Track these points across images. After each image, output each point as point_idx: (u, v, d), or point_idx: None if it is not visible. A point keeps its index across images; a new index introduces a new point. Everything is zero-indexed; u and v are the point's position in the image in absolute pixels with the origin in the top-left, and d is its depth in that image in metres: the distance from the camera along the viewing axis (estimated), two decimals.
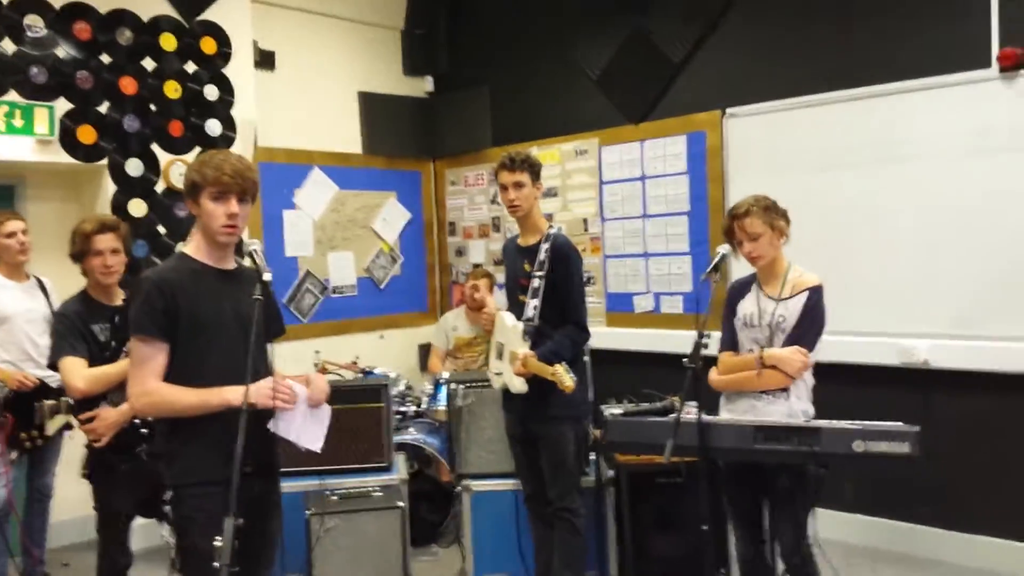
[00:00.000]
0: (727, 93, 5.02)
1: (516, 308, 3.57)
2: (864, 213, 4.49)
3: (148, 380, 2.39)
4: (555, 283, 3.47)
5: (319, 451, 2.58)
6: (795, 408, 3.09)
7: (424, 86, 6.69)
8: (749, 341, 3.19)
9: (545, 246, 3.50)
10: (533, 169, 3.51)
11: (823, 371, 3.21)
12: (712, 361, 3.16)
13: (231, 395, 2.35)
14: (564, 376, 3.17)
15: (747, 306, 3.22)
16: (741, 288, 3.29)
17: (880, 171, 4.43)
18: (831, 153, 4.59)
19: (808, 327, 3.08)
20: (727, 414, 3.20)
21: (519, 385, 3.39)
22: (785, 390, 3.08)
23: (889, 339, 4.37)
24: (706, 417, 2.95)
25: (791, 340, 3.07)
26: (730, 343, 3.27)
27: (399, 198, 6.53)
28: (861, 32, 4.52)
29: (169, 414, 2.43)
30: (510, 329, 3.49)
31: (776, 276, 3.17)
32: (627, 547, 3.90)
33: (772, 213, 3.13)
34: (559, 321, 3.48)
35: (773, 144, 4.81)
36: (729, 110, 5.00)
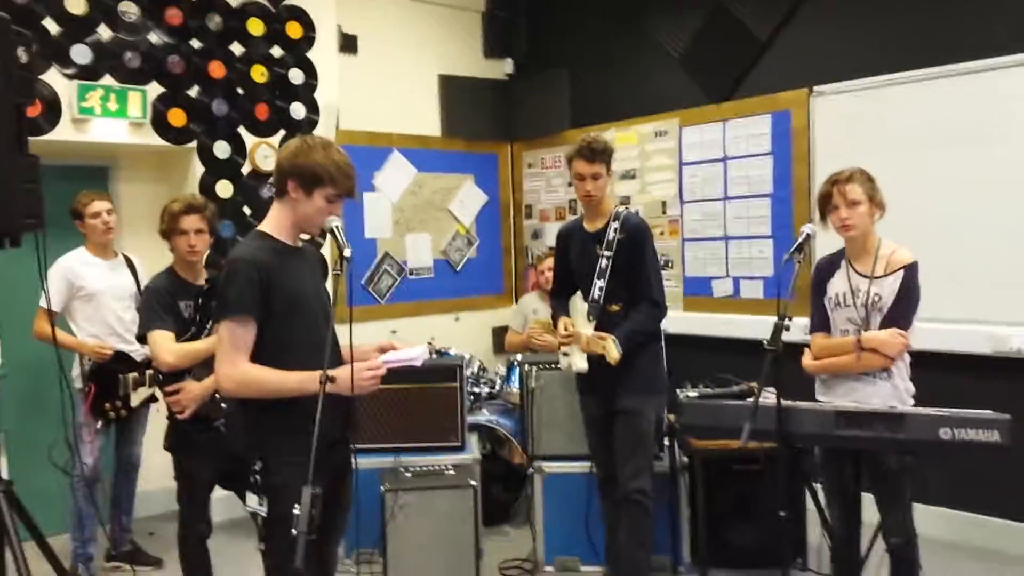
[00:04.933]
0: (814, 71, 4.85)
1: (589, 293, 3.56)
2: (955, 196, 4.30)
3: (239, 361, 2.38)
4: (627, 261, 3.45)
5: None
6: (899, 388, 3.02)
7: (504, 68, 6.69)
8: (843, 321, 3.10)
9: (614, 225, 3.48)
10: (610, 159, 3.52)
11: (912, 359, 3.10)
12: (792, 346, 3.06)
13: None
14: (612, 347, 3.22)
15: (838, 284, 3.13)
16: (829, 266, 3.20)
17: (973, 152, 4.23)
18: (923, 132, 4.40)
19: (906, 306, 2.99)
20: (825, 398, 3.12)
21: (581, 364, 3.40)
22: (886, 370, 3.01)
23: (981, 327, 4.19)
24: (785, 402, 2.87)
25: (889, 320, 2.99)
26: (821, 324, 3.18)
27: (476, 181, 6.56)
28: (955, 4, 4.31)
29: (259, 396, 2.42)
30: (579, 312, 3.49)
31: (867, 252, 3.08)
32: (701, 533, 3.85)
33: (874, 186, 3.07)
34: (633, 300, 3.46)
35: (862, 123, 4.63)
36: (816, 88, 4.84)
